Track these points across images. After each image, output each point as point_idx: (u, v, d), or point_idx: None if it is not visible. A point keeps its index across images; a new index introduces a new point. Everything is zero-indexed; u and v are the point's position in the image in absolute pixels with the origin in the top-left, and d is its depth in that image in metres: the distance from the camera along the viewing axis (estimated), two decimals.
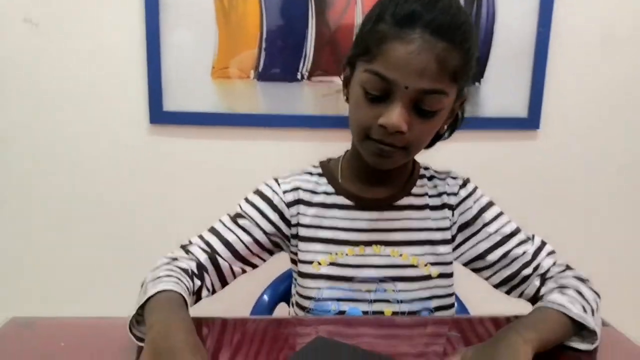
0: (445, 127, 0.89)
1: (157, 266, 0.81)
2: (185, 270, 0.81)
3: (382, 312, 0.91)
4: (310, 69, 1.45)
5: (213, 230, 0.90)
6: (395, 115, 0.75)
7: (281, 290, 1.16)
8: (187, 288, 0.77)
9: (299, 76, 1.45)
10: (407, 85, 0.74)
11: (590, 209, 1.65)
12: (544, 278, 0.87)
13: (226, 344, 0.76)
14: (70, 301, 1.51)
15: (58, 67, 1.42)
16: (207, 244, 0.88)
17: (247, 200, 0.92)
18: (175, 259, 0.84)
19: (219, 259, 0.87)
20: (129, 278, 1.48)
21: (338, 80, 1.47)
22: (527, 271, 0.88)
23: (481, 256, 0.92)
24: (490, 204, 0.94)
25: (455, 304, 1.01)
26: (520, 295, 0.91)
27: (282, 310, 1.15)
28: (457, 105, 0.85)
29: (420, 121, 0.78)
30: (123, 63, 1.43)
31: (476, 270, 0.94)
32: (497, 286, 0.93)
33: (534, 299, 0.89)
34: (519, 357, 0.64)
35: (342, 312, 0.90)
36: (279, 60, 1.44)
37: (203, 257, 0.86)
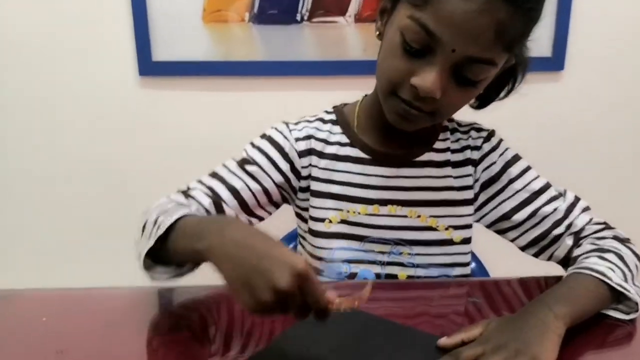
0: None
1: (155, 206, 0.71)
2: (187, 207, 0.73)
3: (395, 276, 0.83)
4: (311, 9, 1.33)
5: (216, 176, 0.80)
6: (431, 79, 0.65)
7: None
8: None
9: (298, 17, 1.33)
10: (455, 49, 0.63)
11: (616, 155, 1.54)
12: (578, 237, 0.78)
13: (229, 310, 0.70)
14: (55, 271, 1.44)
15: (40, 21, 1.33)
16: (210, 189, 0.78)
17: (254, 145, 0.83)
18: (174, 202, 0.74)
19: (224, 205, 0.78)
20: (119, 240, 1.45)
21: (342, 21, 1.37)
22: (558, 230, 0.79)
23: (507, 216, 0.83)
24: (516, 158, 0.84)
25: (471, 269, 0.94)
26: (550, 257, 0.82)
27: None
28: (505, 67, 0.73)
29: (456, 89, 0.68)
30: (106, 10, 1.33)
31: (501, 232, 0.85)
32: (524, 248, 0.84)
33: (566, 260, 0.80)
34: (548, 334, 0.57)
35: (353, 274, 0.83)
36: (276, 0, 1.32)
37: (207, 202, 0.76)
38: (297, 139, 0.82)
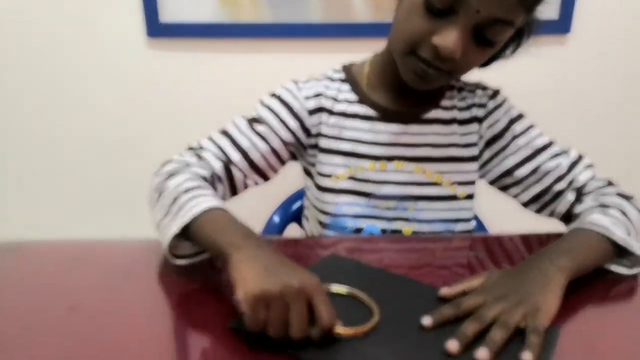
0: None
1: (171, 171, 0.71)
2: (205, 179, 0.73)
3: (400, 231, 0.85)
4: None
5: (226, 134, 0.80)
6: (453, 38, 0.66)
7: (292, 210, 1.10)
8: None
9: None
10: (480, 10, 0.64)
11: (624, 120, 1.53)
12: (580, 193, 0.79)
13: None
14: (61, 225, 1.47)
15: None
16: (221, 149, 0.79)
17: (264, 104, 0.83)
18: (188, 165, 0.74)
19: (234, 169, 0.79)
20: (124, 199, 1.47)
21: None
22: (560, 185, 0.80)
23: (509, 172, 0.83)
24: (520, 116, 0.84)
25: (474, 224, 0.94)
26: (552, 214, 0.83)
27: (292, 231, 1.10)
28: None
29: (475, 49, 0.69)
30: None
31: (504, 188, 0.86)
32: (526, 204, 0.85)
33: (567, 216, 0.81)
34: (550, 286, 0.57)
35: (359, 230, 0.84)
36: None
37: (218, 166, 0.77)
38: (307, 97, 0.82)
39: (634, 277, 0.66)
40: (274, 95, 0.83)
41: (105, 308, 0.58)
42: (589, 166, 0.81)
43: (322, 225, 0.86)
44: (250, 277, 0.51)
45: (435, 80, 0.72)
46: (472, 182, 0.85)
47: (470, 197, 0.85)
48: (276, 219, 1.09)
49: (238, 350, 0.51)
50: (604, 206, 0.72)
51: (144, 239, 0.75)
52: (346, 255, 0.69)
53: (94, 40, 1.38)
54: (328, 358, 0.48)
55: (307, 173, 0.88)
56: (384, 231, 0.84)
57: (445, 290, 0.59)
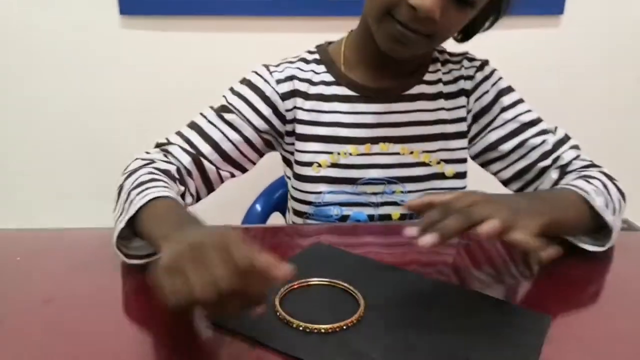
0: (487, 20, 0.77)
1: (132, 169, 0.67)
2: (166, 172, 0.68)
3: (389, 216, 0.81)
4: None
5: (195, 127, 0.76)
6: None
7: (275, 198, 1.07)
8: (177, 192, 0.67)
9: None
10: None
11: (615, 104, 1.51)
12: (564, 171, 0.76)
13: None
14: (30, 213, 1.42)
15: None
16: (190, 143, 0.75)
17: (233, 91, 0.79)
18: (152, 162, 0.70)
19: (205, 161, 0.75)
20: (97, 185, 1.42)
21: None
22: (545, 163, 0.77)
23: (494, 145, 0.80)
24: (509, 89, 0.82)
25: None
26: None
27: (275, 220, 1.07)
28: None
29: (455, 10, 0.66)
30: None
31: (487, 164, 0.83)
32: (508, 182, 0.82)
33: None
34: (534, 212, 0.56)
35: (345, 217, 0.80)
36: None
37: (186, 160, 0.73)
38: (279, 81, 0.78)
39: (603, 256, 0.65)
40: (244, 81, 0.79)
41: (80, 298, 0.57)
42: (575, 147, 0.79)
43: (305, 216, 0.82)
44: (165, 252, 0.45)
45: (414, 46, 0.69)
46: (462, 160, 0.82)
47: (460, 175, 0.82)
48: (258, 207, 1.05)
49: (219, 341, 0.49)
50: (588, 177, 0.70)
51: (106, 228, 0.72)
52: (330, 244, 0.67)
53: (64, 18, 1.31)
54: (311, 352, 0.46)
55: (287, 162, 0.84)
56: (371, 217, 0.81)
57: (411, 202, 0.58)
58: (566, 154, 0.77)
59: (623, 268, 0.65)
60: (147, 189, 0.60)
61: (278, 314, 0.51)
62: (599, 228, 0.65)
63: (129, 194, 0.61)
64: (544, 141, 0.78)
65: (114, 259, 0.65)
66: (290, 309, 0.51)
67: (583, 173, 0.73)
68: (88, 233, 0.73)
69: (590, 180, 0.69)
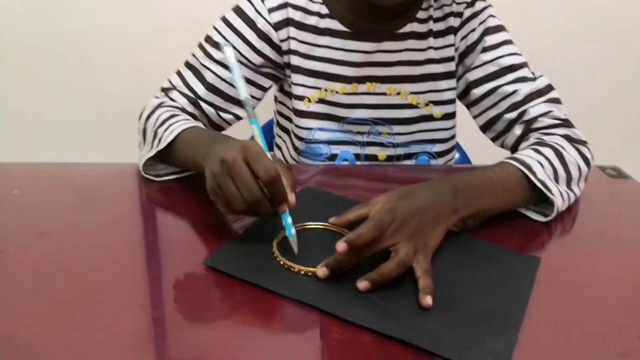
0: None
1: (148, 113, 0.71)
2: (182, 110, 0.73)
3: (375, 156, 0.81)
4: None
5: (190, 67, 0.75)
6: None
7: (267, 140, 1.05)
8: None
9: None
10: None
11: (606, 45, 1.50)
12: (528, 128, 0.73)
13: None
14: (23, 147, 1.40)
15: None
16: (187, 85, 0.74)
17: (225, 21, 0.75)
18: (161, 105, 0.72)
19: (202, 103, 0.74)
20: (88, 121, 1.40)
21: None
22: (511, 115, 0.74)
23: (470, 87, 0.77)
24: (498, 28, 0.77)
25: (457, 153, 0.92)
26: (502, 146, 0.78)
27: None
28: None
29: None
30: None
31: (467, 107, 0.81)
32: (483, 129, 0.80)
33: (513, 151, 0.75)
34: (440, 223, 0.54)
35: (334, 156, 0.80)
36: None
37: (184, 102, 0.74)
38: (271, 10, 0.74)
39: (547, 225, 0.62)
40: (235, 9, 0.75)
41: (75, 232, 0.57)
42: (552, 100, 0.73)
43: (298, 151, 0.81)
44: (207, 172, 0.54)
45: None
46: (450, 101, 0.80)
47: (448, 116, 0.80)
48: None
49: (212, 283, 0.49)
50: (540, 144, 0.67)
51: (116, 164, 0.73)
52: (321, 188, 0.67)
53: None
54: (312, 295, 0.47)
55: (288, 95, 0.82)
56: (358, 156, 0.81)
57: (333, 220, 0.57)
58: (535, 109, 0.72)
59: (612, 214, 0.67)
60: (171, 124, 0.66)
61: (278, 259, 0.51)
62: (545, 198, 0.62)
63: (155, 133, 0.67)
64: (515, 91, 0.73)
65: (114, 194, 0.66)
66: (289, 252, 0.52)
67: (541, 139, 0.69)
68: (89, 168, 0.73)
69: (542, 148, 0.65)
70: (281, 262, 0.51)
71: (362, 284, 0.47)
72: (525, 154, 0.64)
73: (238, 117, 0.77)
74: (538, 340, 0.44)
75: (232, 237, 0.56)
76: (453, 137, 0.84)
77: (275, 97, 0.87)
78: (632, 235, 0.63)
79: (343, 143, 0.80)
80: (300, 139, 0.80)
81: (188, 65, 0.75)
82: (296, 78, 0.77)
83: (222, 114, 0.75)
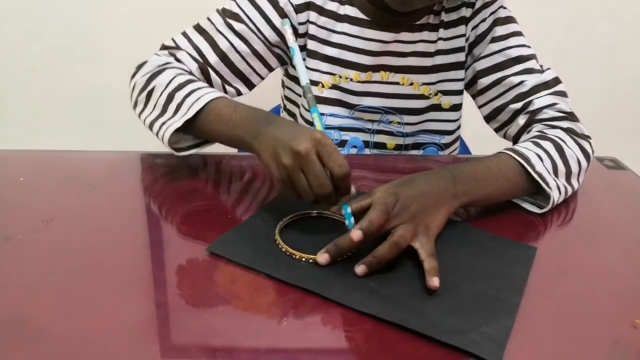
0: None
1: (154, 70, 0.68)
2: (190, 74, 0.70)
3: (384, 144, 0.82)
4: None
5: (202, 32, 0.72)
6: None
7: None
8: None
9: None
10: None
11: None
12: (531, 118, 0.73)
13: (217, 177, 0.69)
14: (30, 134, 1.40)
15: None
16: (197, 49, 0.72)
17: None
18: (168, 64, 0.70)
19: (212, 72, 0.72)
20: (92, 110, 1.41)
21: None
22: (516, 106, 0.74)
23: (477, 77, 0.78)
24: (508, 20, 0.77)
25: (459, 143, 0.93)
26: (505, 136, 0.79)
27: None
28: None
29: None
30: None
31: (473, 97, 0.82)
32: (487, 119, 0.80)
33: (515, 142, 0.76)
34: (442, 207, 0.55)
35: (344, 142, 0.81)
36: None
37: (194, 67, 0.71)
38: None
39: (541, 216, 0.63)
40: None
41: (80, 219, 0.57)
42: (558, 93, 0.73)
43: None
44: (269, 160, 0.54)
45: (418, 2, 0.68)
46: (459, 92, 0.81)
47: (455, 107, 0.81)
48: None
49: (214, 269, 0.50)
50: (541, 137, 0.67)
51: (121, 152, 0.73)
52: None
53: None
54: (315, 282, 0.48)
55: (295, 80, 0.82)
56: (366, 143, 0.81)
57: (335, 209, 0.58)
58: (540, 100, 0.72)
59: (609, 204, 0.68)
60: (193, 90, 0.63)
61: (280, 246, 0.52)
62: (541, 190, 0.63)
63: (170, 96, 0.64)
64: (522, 82, 0.74)
65: (118, 181, 0.67)
66: (291, 240, 0.53)
67: (543, 131, 0.70)
68: (94, 156, 0.74)
69: (542, 142, 0.66)
70: (283, 250, 0.52)
71: (360, 268, 0.49)
72: (524, 146, 0.65)
73: (239, 93, 0.77)
74: (533, 326, 0.45)
75: (235, 225, 0.57)
76: (458, 128, 0.85)
77: (283, 82, 0.87)
78: (628, 226, 0.64)
79: (353, 130, 0.81)
80: (310, 124, 0.80)
81: (199, 29, 0.73)
82: (311, 63, 0.77)
83: (227, 87, 0.75)
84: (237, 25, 0.72)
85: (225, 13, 0.73)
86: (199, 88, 0.64)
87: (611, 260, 0.56)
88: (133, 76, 0.70)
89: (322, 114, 0.79)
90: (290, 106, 0.86)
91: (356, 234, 0.49)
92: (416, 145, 0.83)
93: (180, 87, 0.64)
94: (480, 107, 0.81)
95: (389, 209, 0.51)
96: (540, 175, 0.61)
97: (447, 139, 0.83)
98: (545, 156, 0.63)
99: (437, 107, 0.81)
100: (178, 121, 0.62)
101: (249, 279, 0.49)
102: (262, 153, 0.55)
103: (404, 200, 0.53)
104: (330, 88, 0.78)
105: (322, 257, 0.50)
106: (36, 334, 0.41)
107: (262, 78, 0.78)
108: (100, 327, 0.42)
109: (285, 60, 0.79)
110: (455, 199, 0.57)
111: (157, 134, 0.65)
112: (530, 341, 0.44)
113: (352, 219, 0.52)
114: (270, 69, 0.78)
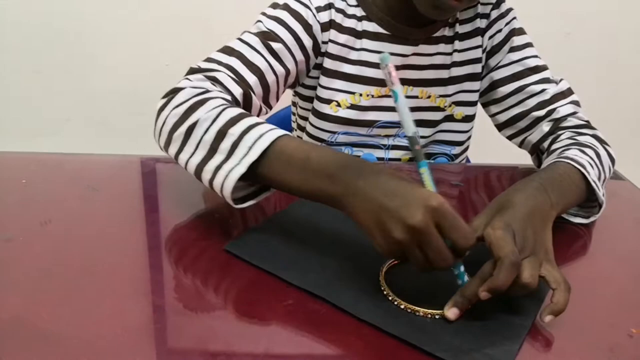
0: None
1: (193, 103, 0.55)
2: (235, 102, 0.62)
3: (398, 160, 0.82)
4: None
5: (233, 52, 0.66)
6: None
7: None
8: None
9: None
10: None
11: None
12: (557, 125, 0.75)
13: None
14: (32, 137, 1.41)
15: None
16: (237, 74, 0.64)
17: (272, 16, 0.70)
18: (208, 91, 0.58)
19: (253, 97, 0.65)
20: (95, 113, 1.41)
21: None
22: (539, 113, 0.76)
23: (495, 85, 0.79)
24: (522, 30, 0.79)
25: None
26: (523, 142, 0.79)
27: None
28: None
29: None
30: None
31: (486, 105, 0.82)
32: (502, 126, 0.81)
33: (536, 147, 0.77)
34: (548, 223, 0.53)
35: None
36: None
37: (238, 92, 0.62)
38: (319, 9, 0.72)
39: (586, 226, 0.64)
40: (282, 5, 0.71)
41: (82, 222, 0.57)
42: (575, 102, 0.76)
43: None
44: (374, 229, 0.45)
45: (453, 11, 0.68)
46: (472, 103, 0.81)
47: (468, 118, 0.81)
48: None
49: (228, 269, 0.51)
50: (580, 144, 0.68)
51: (123, 155, 0.74)
52: None
53: None
54: (307, 282, 0.48)
55: (303, 97, 0.81)
56: (381, 159, 0.81)
57: (485, 290, 0.47)
58: (563, 108, 0.75)
59: (608, 214, 0.67)
60: (252, 126, 0.52)
61: (383, 289, 0.49)
62: (589, 201, 0.63)
63: (222, 133, 0.52)
64: (543, 90, 0.76)
65: (120, 184, 0.67)
66: (395, 285, 0.49)
67: (576, 139, 0.70)
68: (96, 159, 0.74)
69: (585, 149, 0.66)
70: (396, 303, 0.47)
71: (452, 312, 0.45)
72: (574, 154, 0.64)
73: (259, 112, 0.70)
74: (529, 335, 0.45)
75: (237, 230, 0.57)
76: (469, 139, 0.86)
77: (294, 103, 0.87)
78: (625, 235, 0.64)
79: (367, 146, 0.80)
80: (319, 140, 0.79)
81: (229, 50, 0.66)
82: (325, 81, 0.76)
83: (261, 108, 0.69)
84: (275, 45, 0.68)
85: (258, 35, 0.68)
86: (258, 124, 0.52)
87: (610, 270, 0.56)
88: (162, 109, 0.58)
89: (335, 132, 0.78)
90: (300, 121, 0.85)
91: (484, 295, 0.45)
92: (427, 156, 0.83)
93: (234, 121, 0.53)
94: (494, 114, 0.81)
95: (519, 259, 0.46)
96: (595, 182, 0.61)
97: (457, 150, 0.84)
98: (593, 163, 0.64)
99: (450, 118, 0.81)
100: (239, 165, 0.50)
101: (249, 282, 0.49)
102: (360, 217, 0.46)
103: (519, 231, 0.48)
104: (348, 107, 0.77)
105: (451, 312, 0.46)
106: (36, 336, 0.41)
107: (277, 102, 0.74)
108: (100, 329, 0.42)
109: (298, 82, 0.78)
110: (553, 209, 0.55)
111: (209, 183, 0.52)
112: (526, 350, 0.44)
113: (466, 277, 0.48)
114: (283, 91, 0.74)
